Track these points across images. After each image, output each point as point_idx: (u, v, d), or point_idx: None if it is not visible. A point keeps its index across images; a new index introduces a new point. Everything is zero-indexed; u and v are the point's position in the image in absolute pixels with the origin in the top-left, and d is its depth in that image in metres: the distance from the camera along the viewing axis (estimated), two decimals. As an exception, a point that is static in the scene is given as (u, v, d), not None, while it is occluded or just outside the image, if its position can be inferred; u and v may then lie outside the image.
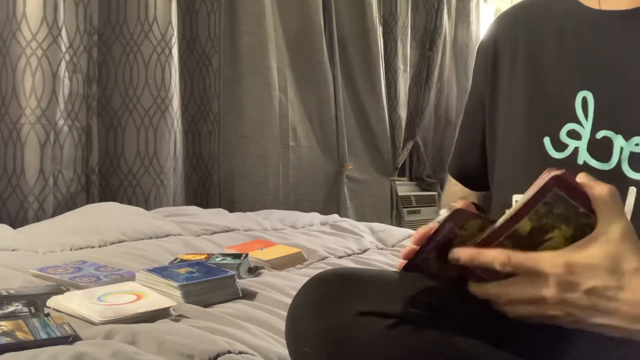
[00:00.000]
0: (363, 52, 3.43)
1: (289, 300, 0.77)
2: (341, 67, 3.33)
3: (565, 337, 0.74)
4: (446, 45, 3.91)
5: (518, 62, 0.82)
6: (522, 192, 0.78)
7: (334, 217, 2.55)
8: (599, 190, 0.59)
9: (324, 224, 2.39)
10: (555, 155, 0.75)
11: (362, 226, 2.30)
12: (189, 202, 2.72)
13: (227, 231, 2.06)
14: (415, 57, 3.84)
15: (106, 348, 0.90)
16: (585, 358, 0.73)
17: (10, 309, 1.07)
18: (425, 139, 3.99)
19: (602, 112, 0.72)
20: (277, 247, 1.76)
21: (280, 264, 1.62)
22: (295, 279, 1.43)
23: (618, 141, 0.70)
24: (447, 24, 3.89)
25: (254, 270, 1.55)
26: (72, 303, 1.11)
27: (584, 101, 0.74)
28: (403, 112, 3.70)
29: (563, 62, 0.78)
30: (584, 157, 0.73)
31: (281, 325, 1.02)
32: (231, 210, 2.57)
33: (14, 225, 2.03)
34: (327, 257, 1.76)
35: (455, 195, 0.96)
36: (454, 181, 0.99)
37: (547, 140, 0.76)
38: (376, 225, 2.33)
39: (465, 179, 0.97)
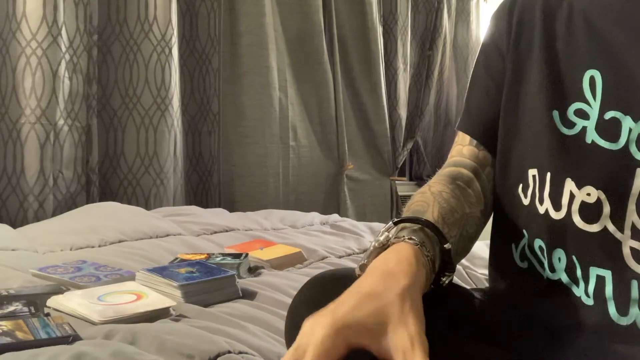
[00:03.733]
0: (363, 52, 3.43)
1: (289, 300, 0.77)
2: (341, 67, 3.33)
3: (563, 337, 0.74)
4: (446, 45, 3.90)
5: (535, 35, 0.81)
6: (534, 165, 0.76)
7: (334, 217, 2.55)
8: None
9: (324, 224, 2.39)
10: (565, 131, 0.75)
11: (362, 226, 2.30)
12: (189, 202, 2.72)
13: (227, 231, 2.06)
14: (415, 57, 3.84)
15: (106, 348, 0.90)
16: (583, 355, 0.73)
17: (10, 309, 1.07)
18: (425, 139, 3.99)
19: (611, 92, 0.72)
20: (277, 247, 1.76)
21: (280, 264, 1.62)
22: (295, 279, 1.43)
23: (627, 122, 0.70)
24: (447, 23, 3.88)
25: (254, 270, 1.55)
26: (72, 303, 1.11)
27: (592, 80, 0.73)
28: (403, 112, 3.70)
29: (572, 41, 0.78)
30: (592, 136, 0.73)
31: (281, 325, 1.02)
32: (231, 210, 2.57)
33: (14, 225, 2.03)
34: (327, 257, 1.76)
35: (463, 159, 0.88)
36: (467, 141, 0.89)
37: (555, 114, 0.76)
38: (376, 225, 2.33)
39: (482, 135, 0.88)
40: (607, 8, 0.76)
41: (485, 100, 0.88)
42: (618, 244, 0.70)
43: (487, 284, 1.66)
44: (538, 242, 0.79)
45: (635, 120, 0.70)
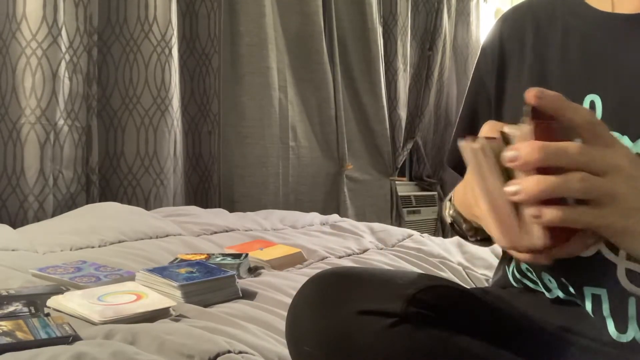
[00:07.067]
0: (363, 52, 3.43)
1: (289, 300, 0.76)
2: (341, 67, 3.34)
3: (565, 337, 0.74)
4: (446, 45, 3.91)
5: (525, 64, 0.81)
6: None
7: (334, 217, 2.55)
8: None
9: (324, 224, 2.39)
10: None
11: (362, 226, 2.30)
12: (189, 202, 2.72)
13: (227, 231, 2.06)
14: (415, 57, 3.84)
15: (106, 348, 0.90)
16: (585, 357, 0.73)
17: (10, 309, 1.07)
18: (425, 139, 3.99)
19: (610, 114, 0.71)
20: (277, 247, 1.76)
21: (280, 264, 1.62)
22: (295, 279, 1.43)
23: (624, 142, 0.69)
24: (447, 24, 3.89)
25: (254, 270, 1.55)
26: (72, 303, 1.11)
27: (592, 105, 0.72)
28: (403, 112, 3.70)
29: (568, 65, 0.77)
30: None
31: (281, 325, 1.02)
32: (231, 210, 2.57)
33: (14, 225, 2.03)
34: (327, 257, 1.76)
35: None
36: None
37: None
38: (376, 225, 2.33)
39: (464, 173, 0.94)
40: (605, 29, 0.75)
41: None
42: (612, 266, 0.69)
43: (486, 284, 1.66)
44: (525, 264, 0.79)
45: (632, 139, 0.69)
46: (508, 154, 0.51)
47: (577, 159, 0.50)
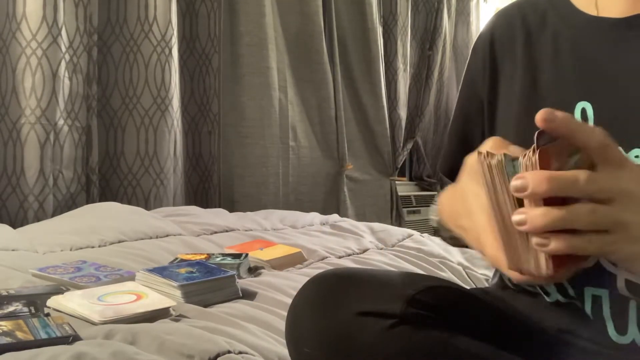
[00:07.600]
0: (363, 52, 3.43)
1: (289, 300, 0.76)
2: (341, 67, 3.34)
3: (564, 338, 0.74)
4: (446, 45, 3.91)
5: (517, 68, 0.80)
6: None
7: (334, 217, 2.55)
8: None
9: (324, 224, 2.39)
10: None
11: (362, 226, 2.30)
12: (189, 202, 2.72)
13: (227, 231, 2.06)
14: (415, 57, 3.84)
15: (106, 348, 0.90)
16: (584, 359, 0.73)
17: (10, 309, 1.07)
18: (425, 139, 3.99)
19: (602, 123, 0.70)
20: (277, 247, 1.76)
21: (280, 264, 1.62)
22: (295, 279, 1.43)
23: None
24: (447, 24, 3.89)
25: (254, 270, 1.55)
26: (72, 303, 1.11)
27: (584, 112, 0.72)
28: (403, 112, 3.71)
29: (560, 71, 0.76)
30: None
31: (281, 325, 1.02)
32: (231, 210, 2.57)
33: (14, 225, 2.03)
34: (327, 257, 1.76)
35: None
36: None
37: None
38: (376, 225, 2.33)
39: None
40: (593, 34, 0.74)
41: (460, 145, 0.89)
42: (612, 276, 0.69)
43: (486, 284, 1.66)
44: None
45: (626, 150, 0.68)
46: (515, 183, 0.50)
47: (585, 188, 0.49)
